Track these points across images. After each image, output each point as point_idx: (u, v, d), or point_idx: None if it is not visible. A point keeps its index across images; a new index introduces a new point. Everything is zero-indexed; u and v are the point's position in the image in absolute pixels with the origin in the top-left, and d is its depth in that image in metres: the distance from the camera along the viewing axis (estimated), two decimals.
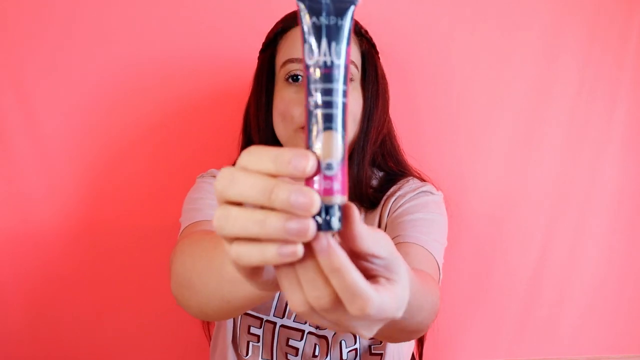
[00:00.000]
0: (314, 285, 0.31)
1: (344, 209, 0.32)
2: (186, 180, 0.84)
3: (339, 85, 0.33)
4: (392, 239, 0.71)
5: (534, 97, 1.01)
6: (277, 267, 0.32)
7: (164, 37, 0.97)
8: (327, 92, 0.33)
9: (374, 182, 0.83)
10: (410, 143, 0.88)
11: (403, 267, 0.35)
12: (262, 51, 0.81)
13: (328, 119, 0.33)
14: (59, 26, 0.95)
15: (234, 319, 0.80)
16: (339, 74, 0.33)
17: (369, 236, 0.32)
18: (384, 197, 0.79)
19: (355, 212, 0.32)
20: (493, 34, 1.01)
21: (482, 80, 1.01)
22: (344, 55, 0.34)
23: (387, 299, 0.32)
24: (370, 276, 0.33)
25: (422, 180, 0.83)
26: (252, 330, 0.78)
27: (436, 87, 1.01)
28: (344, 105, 0.33)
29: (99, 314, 0.99)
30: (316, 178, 0.32)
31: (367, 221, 0.79)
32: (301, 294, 0.32)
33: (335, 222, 0.32)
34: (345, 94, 0.34)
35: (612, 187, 1.02)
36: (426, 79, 1.01)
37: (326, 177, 0.32)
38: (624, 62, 1.01)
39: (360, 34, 0.79)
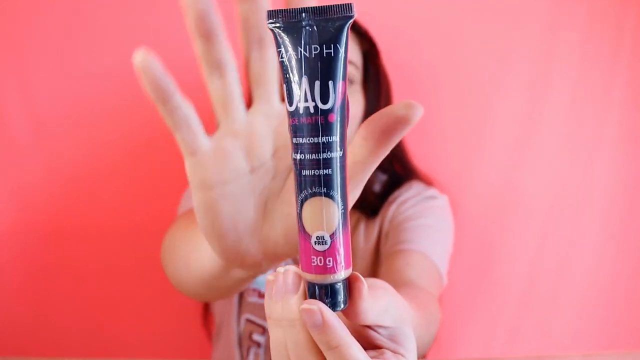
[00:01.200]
0: None
1: (350, 283, 0.27)
2: (187, 181, 0.84)
3: (329, 138, 0.26)
4: (394, 245, 0.71)
5: (532, 97, 1.01)
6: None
7: (167, 38, 0.96)
8: (313, 148, 0.26)
9: (377, 187, 0.80)
10: (410, 143, 0.88)
11: (411, 338, 0.31)
12: None
13: (316, 182, 0.26)
14: (62, 27, 0.95)
15: (237, 323, 0.80)
16: (329, 122, 0.26)
17: (376, 310, 0.28)
18: (385, 203, 0.77)
19: (363, 288, 0.28)
20: (494, 33, 1.00)
21: (483, 80, 1.00)
22: (336, 96, 0.26)
23: None
24: (374, 346, 0.30)
25: (428, 182, 0.80)
26: (255, 337, 0.77)
27: (437, 86, 1.00)
28: (341, 160, 0.26)
29: (99, 312, 0.99)
30: (306, 254, 0.26)
31: (367, 230, 0.77)
32: None
33: (337, 304, 0.27)
34: (341, 145, 0.26)
35: (607, 186, 1.02)
36: (428, 78, 1.00)
37: (317, 253, 0.26)
38: (617, 64, 1.00)
39: (360, 33, 0.77)
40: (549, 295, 1.03)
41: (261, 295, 0.78)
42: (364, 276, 0.84)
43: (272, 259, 0.36)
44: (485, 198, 1.02)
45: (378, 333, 0.30)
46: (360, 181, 0.32)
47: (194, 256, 0.44)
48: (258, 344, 0.77)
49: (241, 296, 0.79)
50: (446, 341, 1.02)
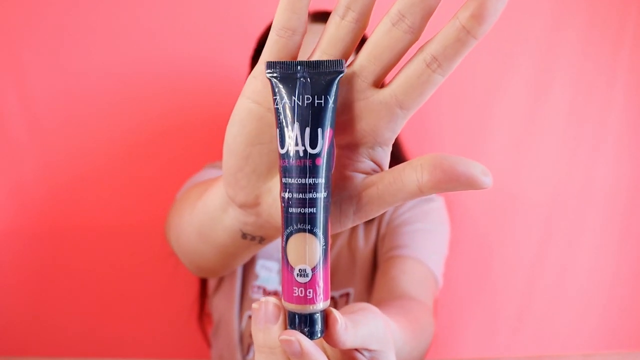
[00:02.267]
0: None
1: (326, 315, 0.29)
2: (184, 181, 0.84)
3: (315, 180, 0.28)
4: (390, 250, 0.71)
5: (533, 97, 1.01)
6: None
7: (166, 38, 0.97)
8: (301, 189, 0.28)
9: None
10: (409, 142, 0.88)
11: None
12: (253, 57, 0.78)
13: (301, 220, 0.28)
14: (60, 27, 0.94)
15: (239, 320, 0.79)
16: (316, 166, 0.28)
17: (357, 338, 0.30)
18: None
19: (339, 323, 0.29)
20: (495, 32, 1.00)
21: (483, 79, 1.00)
22: (324, 142, 0.28)
23: None
24: None
25: None
26: None
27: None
28: (325, 200, 0.28)
29: (98, 312, 0.99)
30: (288, 284, 0.28)
31: (366, 232, 0.78)
32: None
33: (315, 333, 0.29)
34: (326, 187, 0.28)
35: (608, 186, 1.02)
36: None
37: (299, 284, 0.28)
38: (619, 63, 1.00)
39: None
40: (549, 295, 1.03)
41: (266, 293, 0.78)
42: (364, 279, 0.83)
43: (266, 218, 0.34)
44: (485, 197, 1.01)
45: (362, 355, 0.32)
46: (384, 203, 0.31)
47: (202, 199, 0.45)
48: None
49: (243, 293, 0.79)
50: (446, 341, 1.02)
